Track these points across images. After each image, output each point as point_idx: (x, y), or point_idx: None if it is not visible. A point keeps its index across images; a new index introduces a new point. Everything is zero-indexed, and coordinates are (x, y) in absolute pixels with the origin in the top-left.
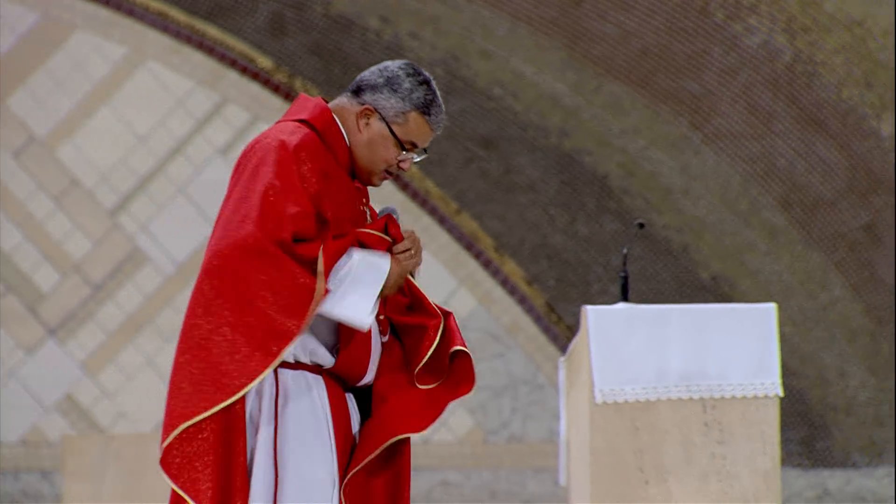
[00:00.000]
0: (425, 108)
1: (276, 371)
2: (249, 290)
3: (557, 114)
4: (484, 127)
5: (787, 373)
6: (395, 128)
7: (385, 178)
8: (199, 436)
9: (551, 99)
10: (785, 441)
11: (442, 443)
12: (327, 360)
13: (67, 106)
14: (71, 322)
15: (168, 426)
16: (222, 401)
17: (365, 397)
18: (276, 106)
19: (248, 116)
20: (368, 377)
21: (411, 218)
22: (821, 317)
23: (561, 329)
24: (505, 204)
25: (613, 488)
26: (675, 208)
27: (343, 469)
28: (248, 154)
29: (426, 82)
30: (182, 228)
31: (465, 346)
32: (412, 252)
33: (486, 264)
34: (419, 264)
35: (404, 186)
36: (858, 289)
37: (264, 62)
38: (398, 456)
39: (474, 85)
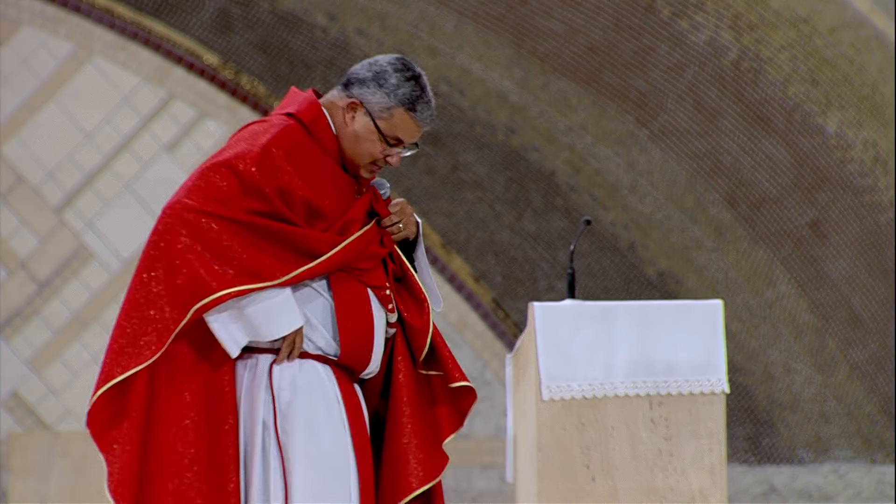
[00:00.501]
0: (411, 104)
1: (281, 367)
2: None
3: (504, 111)
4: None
5: (734, 369)
6: (379, 122)
7: (373, 171)
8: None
9: (498, 96)
10: (731, 437)
11: None
12: (332, 348)
13: (13, 102)
14: (17, 319)
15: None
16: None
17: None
18: (222, 102)
19: (195, 113)
20: (373, 365)
21: None
22: (767, 313)
23: (508, 326)
24: (452, 201)
25: (560, 484)
26: (621, 205)
27: (364, 457)
28: (231, 138)
29: (414, 78)
30: (128, 225)
31: (463, 379)
32: (401, 224)
33: (433, 261)
34: (416, 229)
35: None
36: (804, 285)
37: (211, 59)
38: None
39: None
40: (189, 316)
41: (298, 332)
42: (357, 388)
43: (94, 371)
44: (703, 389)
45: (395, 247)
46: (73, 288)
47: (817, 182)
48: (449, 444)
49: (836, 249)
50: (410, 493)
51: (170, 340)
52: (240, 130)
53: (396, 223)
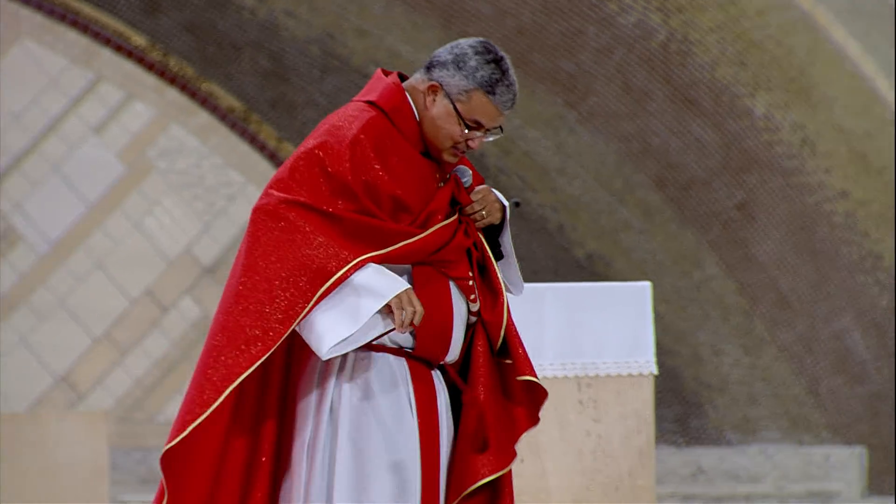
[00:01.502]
0: (490, 87)
1: (356, 355)
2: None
3: None
4: None
5: (662, 351)
6: (458, 105)
7: (455, 155)
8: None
9: None
10: (659, 419)
11: None
12: (407, 340)
13: None
14: None
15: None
16: (201, 413)
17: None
18: (150, 84)
19: (123, 94)
20: (452, 355)
21: None
22: (695, 295)
23: None
24: None
25: None
26: (550, 187)
27: (431, 459)
28: (312, 132)
29: (495, 61)
30: (56, 207)
31: (530, 374)
32: (484, 212)
33: None
34: (501, 214)
35: (280, 165)
36: (732, 267)
37: (139, 40)
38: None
39: (350, 63)
40: (318, 295)
41: (408, 293)
42: (436, 374)
43: (22, 354)
44: (632, 371)
45: (480, 235)
46: (1, 270)
47: (745, 164)
48: None
49: (763, 231)
50: (480, 479)
51: (295, 323)
52: (320, 125)
53: (479, 211)
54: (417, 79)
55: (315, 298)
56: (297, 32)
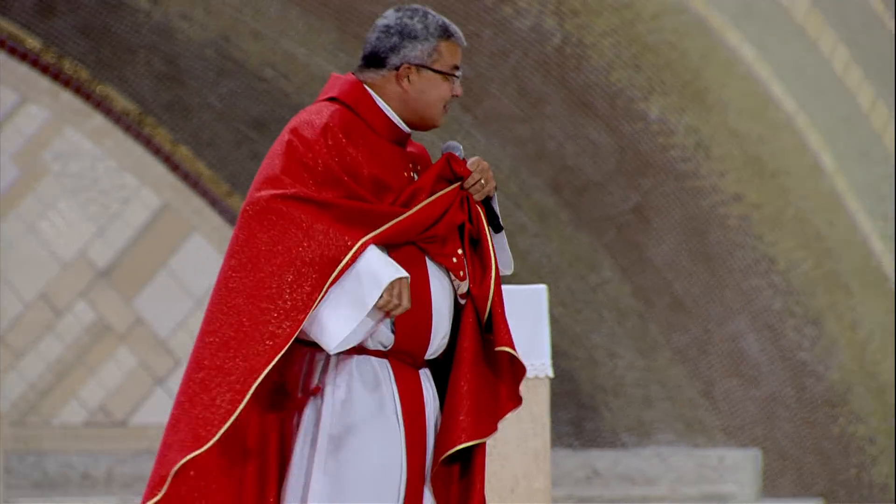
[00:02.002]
0: (444, 31)
1: (339, 357)
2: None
3: None
4: (255, 108)
5: (558, 354)
6: (435, 65)
7: (445, 113)
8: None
9: (323, 81)
10: (555, 421)
11: None
12: (388, 338)
13: None
14: None
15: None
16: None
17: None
18: (44, 87)
19: (17, 97)
20: (433, 349)
21: (182, 200)
22: (590, 298)
23: None
24: None
25: None
26: None
27: (419, 460)
28: (279, 137)
29: (423, 12)
30: None
31: (508, 345)
32: (483, 181)
33: None
34: (493, 189)
35: (175, 168)
36: (627, 270)
37: (32, 43)
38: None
39: (245, 66)
40: (328, 283)
41: (402, 283)
42: (424, 374)
43: None
44: (528, 374)
45: (479, 207)
46: None
47: (640, 167)
48: None
49: (658, 234)
50: (457, 444)
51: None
52: (286, 129)
53: (479, 181)
54: (370, 76)
55: (326, 287)
56: (192, 35)
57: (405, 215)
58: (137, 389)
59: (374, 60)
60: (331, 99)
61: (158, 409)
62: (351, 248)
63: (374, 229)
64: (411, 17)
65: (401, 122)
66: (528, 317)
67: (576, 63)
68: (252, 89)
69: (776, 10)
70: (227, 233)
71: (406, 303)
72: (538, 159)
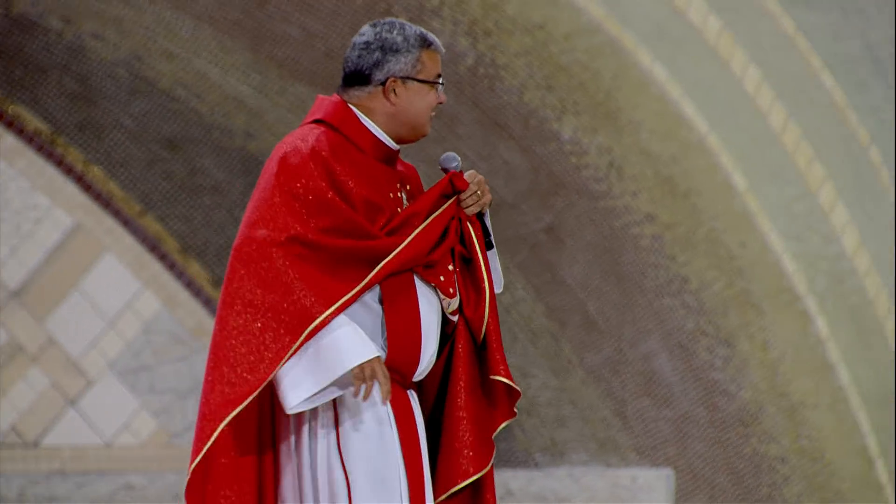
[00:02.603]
0: (424, 41)
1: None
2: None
3: (242, 115)
4: (168, 128)
5: None
6: (420, 76)
7: (431, 121)
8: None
9: (236, 100)
10: None
11: (125, 446)
12: (380, 355)
13: None
14: None
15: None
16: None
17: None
18: None
19: None
20: (422, 368)
21: (94, 220)
22: (504, 318)
23: None
24: (190, 206)
25: None
26: None
27: (415, 469)
28: (267, 162)
29: (401, 24)
30: None
31: (504, 375)
32: (479, 194)
33: (171, 266)
34: (488, 202)
35: (87, 188)
36: (540, 290)
37: None
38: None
39: (158, 86)
40: (301, 341)
41: (372, 364)
42: (411, 394)
43: None
44: None
45: (469, 225)
46: None
47: (553, 187)
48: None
49: (571, 254)
50: (467, 478)
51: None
52: (273, 156)
53: (475, 192)
54: (356, 95)
55: (292, 350)
56: (105, 55)
57: (400, 248)
58: (49, 410)
59: (357, 78)
60: (316, 121)
61: (71, 430)
62: (322, 313)
63: (369, 268)
64: (390, 31)
65: (388, 139)
66: None
67: (489, 83)
68: (165, 109)
69: (688, 31)
70: (139, 253)
71: (384, 380)
72: None
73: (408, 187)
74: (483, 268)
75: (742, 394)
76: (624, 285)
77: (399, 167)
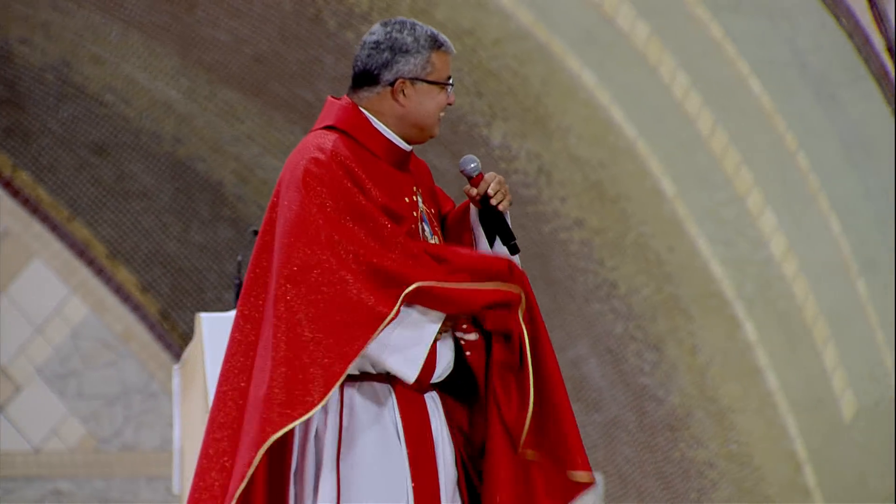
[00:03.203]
0: (434, 42)
1: (341, 386)
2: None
3: (171, 120)
4: (96, 133)
5: None
6: (429, 77)
7: (440, 123)
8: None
9: (164, 105)
10: None
11: (53, 451)
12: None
13: None
14: None
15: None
16: (237, 488)
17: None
18: None
19: None
20: (437, 374)
21: (22, 225)
22: None
23: (175, 337)
24: (118, 211)
25: None
26: None
27: (427, 486)
28: (283, 174)
29: (412, 24)
30: None
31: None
32: (494, 188)
33: (99, 272)
34: (509, 203)
35: (15, 193)
36: None
37: None
38: None
39: (86, 91)
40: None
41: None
42: (431, 397)
43: None
44: None
45: (524, 332)
46: None
47: None
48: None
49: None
50: None
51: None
52: (293, 170)
53: (490, 185)
54: (364, 95)
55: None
56: (32, 60)
57: (454, 286)
58: None
59: (366, 78)
60: (328, 127)
61: (0, 435)
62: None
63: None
64: (400, 31)
65: (399, 140)
66: None
67: None
68: (93, 114)
69: (616, 37)
70: (67, 258)
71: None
72: None
73: (420, 191)
74: (531, 378)
75: (671, 398)
76: (553, 290)
77: (410, 167)
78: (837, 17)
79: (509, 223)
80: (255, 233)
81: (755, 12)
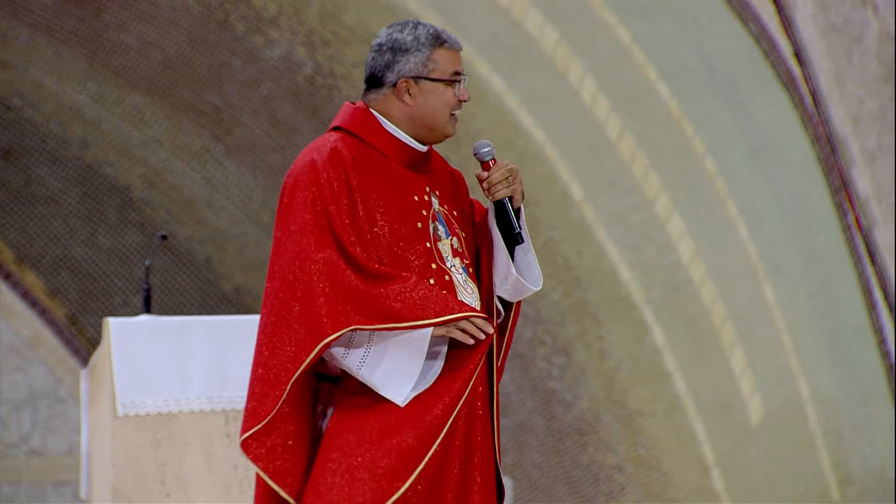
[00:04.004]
0: (437, 38)
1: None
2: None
3: (78, 125)
4: (3, 138)
5: None
6: (433, 74)
7: (454, 122)
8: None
9: (72, 110)
10: None
11: None
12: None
13: None
14: None
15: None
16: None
17: None
18: None
19: None
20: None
21: None
22: None
23: (83, 342)
24: (25, 216)
25: (135, 501)
26: (197, 220)
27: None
28: (286, 180)
29: (414, 24)
30: None
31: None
32: (509, 180)
33: (7, 277)
34: (520, 190)
35: None
36: None
37: None
38: None
39: None
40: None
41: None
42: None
43: None
44: None
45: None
46: None
47: None
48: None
49: None
50: None
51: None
52: (297, 176)
53: (505, 178)
54: (374, 97)
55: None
56: None
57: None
58: None
59: (373, 81)
60: (335, 129)
61: None
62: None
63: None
64: (401, 31)
65: (411, 140)
66: None
67: (327, 93)
68: None
69: (525, 42)
70: None
71: (472, 322)
72: None
73: (436, 192)
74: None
75: (579, 403)
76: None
77: (433, 167)
78: (745, 23)
79: (521, 214)
80: (164, 237)
81: (663, 17)
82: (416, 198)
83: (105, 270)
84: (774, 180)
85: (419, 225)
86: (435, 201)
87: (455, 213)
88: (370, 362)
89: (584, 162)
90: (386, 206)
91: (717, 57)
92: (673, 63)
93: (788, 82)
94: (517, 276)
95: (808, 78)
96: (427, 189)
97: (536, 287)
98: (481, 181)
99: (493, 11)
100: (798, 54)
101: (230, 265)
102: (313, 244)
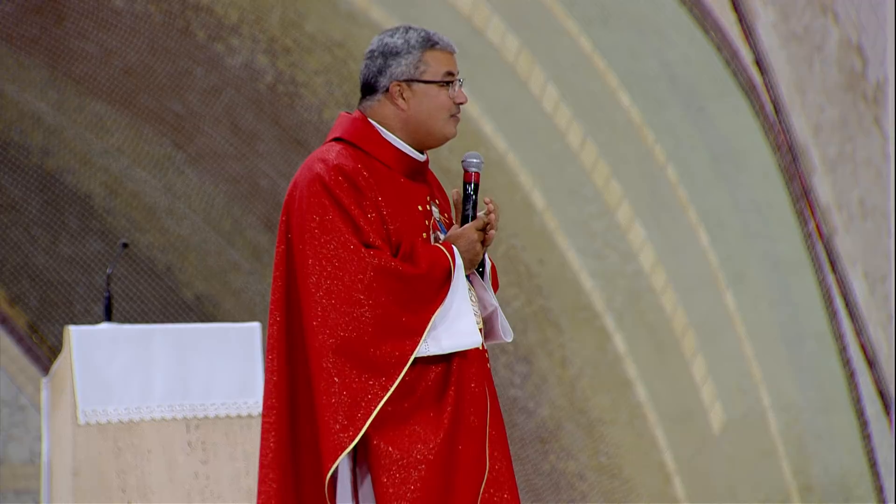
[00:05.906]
0: (427, 41)
1: None
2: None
3: (39, 133)
4: None
5: None
6: (425, 76)
7: (455, 123)
8: None
9: (32, 118)
10: None
11: None
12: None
13: None
14: None
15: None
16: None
17: None
18: None
19: None
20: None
21: None
22: None
23: (44, 350)
24: None
25: None
26: (158, 228)
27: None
28: (293, 192)
29: (407, 28)
30: None
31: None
32: (490, 213)
33: None
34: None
35: None
36: None
37: None
38: None
39: None
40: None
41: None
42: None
43: None
44: (241, 412)
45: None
46: None
47: None
48: None
49: None
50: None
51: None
52: (305, 185)
53: (488, 224)
54: (369, 105)
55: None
56: None
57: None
58: None
59: (367, 88)
60: (336, 140)
61: None
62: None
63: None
64: (392, 36)
65: (409, 148)
66: (241, 355)
67: (288, 101)
68: None
69: (487, 50)
70: None
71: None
72: (251, 197)
73: (437, 200)
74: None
75: (541, 411)
76: None
77: (429, 176)
78: (706, 31)
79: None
80: (125, 245)
81: (624, 26)
82: (420, 207)
83: (66, 279)
84: (736, 188)
85: (424, 235)
86: (435, 210)
87: (450, 221)
88: (433, 337)
89: (546, 170)
90: (395, 217)
91: (678, 65)
92: (634, 71)
93: (750, 90)
94: (498, 309)
95: (770, 86)
96: (427, 198)
97: (508, 339)
98: (455, 200)
99: (454, 19)
100: (759, 62)
101: (191, 273)
102: (363, 251)
